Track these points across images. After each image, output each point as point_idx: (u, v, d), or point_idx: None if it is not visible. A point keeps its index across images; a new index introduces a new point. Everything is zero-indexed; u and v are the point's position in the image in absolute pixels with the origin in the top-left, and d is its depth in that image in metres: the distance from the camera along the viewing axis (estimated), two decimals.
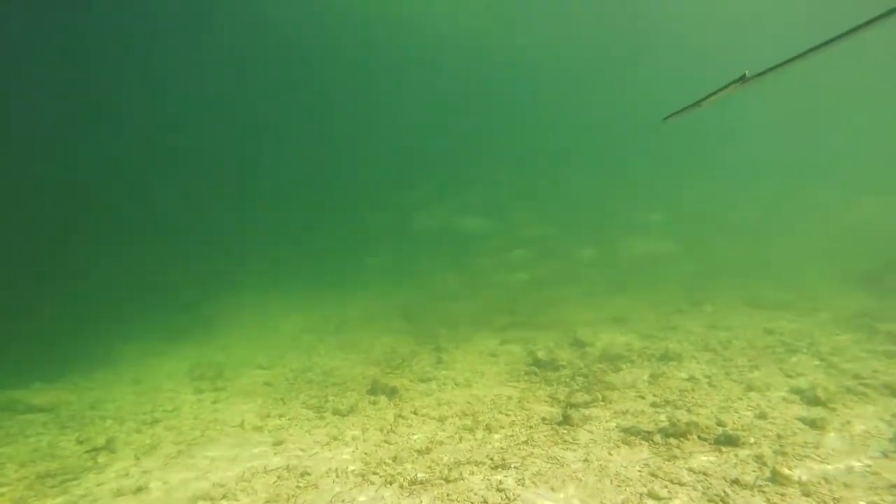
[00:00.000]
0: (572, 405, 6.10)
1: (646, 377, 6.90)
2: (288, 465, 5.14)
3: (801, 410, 5.21)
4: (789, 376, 6.30)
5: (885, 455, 4.19)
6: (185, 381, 9.58)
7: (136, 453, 5.80)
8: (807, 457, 4.22)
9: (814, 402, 5.34)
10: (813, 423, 4.84)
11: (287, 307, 16.93)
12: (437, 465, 4.78)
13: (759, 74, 2.58)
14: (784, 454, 4.27)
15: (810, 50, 2.41)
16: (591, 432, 5.23)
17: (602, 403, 6.11)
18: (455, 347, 9.89)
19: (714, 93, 2.75)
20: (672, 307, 12.00)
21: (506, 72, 42.69)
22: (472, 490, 4.20)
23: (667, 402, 5.86)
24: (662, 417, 5.37)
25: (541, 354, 8.28)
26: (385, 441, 5.60)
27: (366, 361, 9.73)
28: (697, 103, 2.90)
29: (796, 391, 5.69)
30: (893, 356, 6.68)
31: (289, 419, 6.76)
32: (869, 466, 3.99)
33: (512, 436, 5.36)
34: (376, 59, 37.46)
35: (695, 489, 3.84)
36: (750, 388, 6.00)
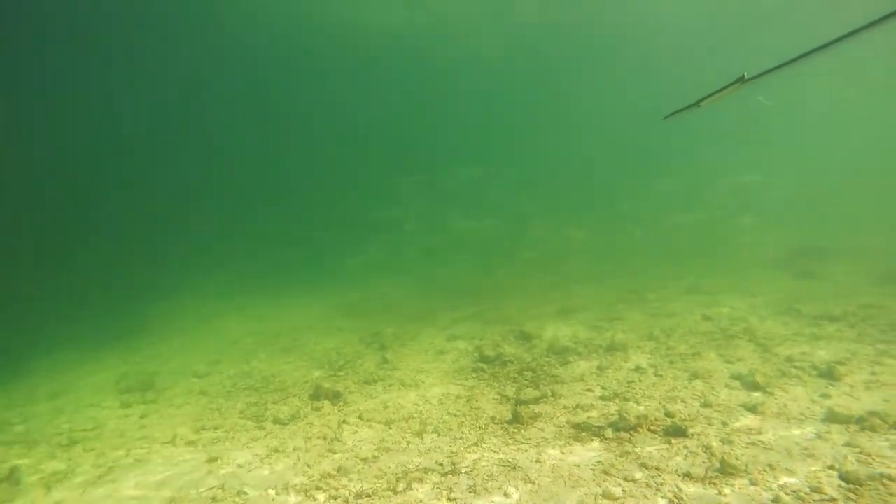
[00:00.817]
0: (521, 402, 6.01)
1: (594, 369, 6.92)
2: (223, 485, 4.74)
3: (743, 396, 5.33)
4: (729, 362, 6.48)
5: (818, 436, 4.32)
6: (112, 393, 8.84)
7: (48, 483, 5.21)
8: (751, 444, 4.28)
9: (753, 387, 5.48)
10: (754, 409, 4.95)
11: (230, 311, 16.09)
12: (385, 474, 4.54)
13: (758, 76, 2.59)
14: (730, 442, 4.32)
15: (810, 52, 2.41)
16: (541, 430, 5.14)
17: (552, 399, 6.05)
18: (401, 346, 9.64)
19: (713, 93, 2.76)
20: (617, 296, 12.24)
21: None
22: (421, 501, 4.00)
23: (615, 395, 5.87)
24: (612, 410, 5.36)
25: (488, 350, 8.18)
26: (329, 450, 5.30)
27: (308, 365, 9.31)
28: (696, 103, 2.89)
29: (736, 377, 5.84)
30: (817, 338, 7.02)
31: (225, 431, 6.32)
32: (806, 450, 4.09)
33: (461, 438, 5.19)
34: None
35: (648, 486, 3.79)
36: (694, 375, 6.11)
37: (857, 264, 12.33)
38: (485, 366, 7.76)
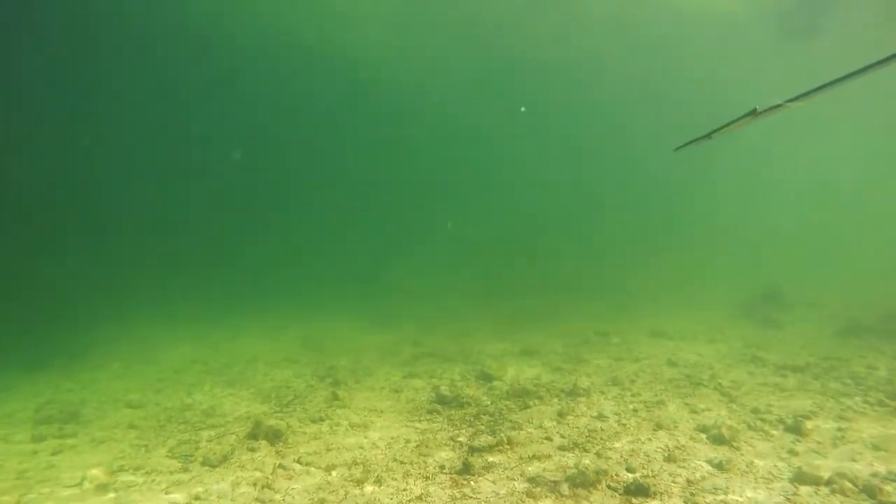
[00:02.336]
0: (474, 449, 5.56)
1: (554, 415, 6.54)
2: None
3: (709, 451, 5.02)
4: (695, 412, 6.20)
5: (787, 499, 4.01)
6: (27, 425, 7.98)
7: None
8: None
9: (719, 440, 5.18)
10: (720, 466, 4.63)
11: (184, 338, 15.18)
12: None
13: (770, 109, 2.55)
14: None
15: (823, 86, 2.38)
16: (493, 483, 4.70)
17: (507, 447, 5.63)
18: (355, 382, 9.10)
19: (725, 125, 2.73)
20: (580, 338, 11.99)
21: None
22: None
23: (575, 445, 5.49)
24: (570, 463, 4.96)
25: (445, 390, 7.72)
26: (257, 500, 4.73)
27: (254, 398, 8.66)
28: (708, 135, 2.86)
29: (702, 429, 5.54)
30: (782, 389, 6.83)
31: (145, 473, 5.65)
32: None
33: (405, 489, 4.70)
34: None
35: None
36: (658, 426, 5.79)
37: (818, 313, 12.43)
38: (440, 407, 7.30)
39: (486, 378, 8.68)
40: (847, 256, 21.17)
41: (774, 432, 5.37)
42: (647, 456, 5.06)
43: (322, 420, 7.10)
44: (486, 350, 11.49)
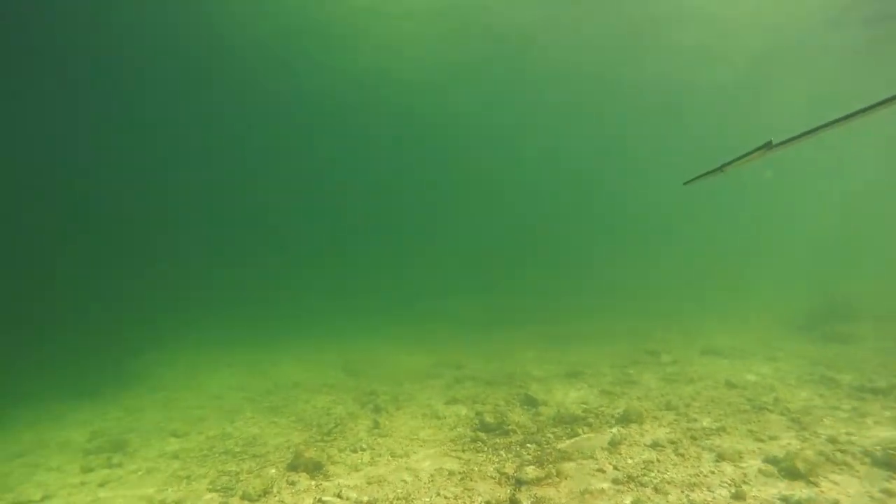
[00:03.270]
0: (521, 482, 5.25)
1: (605, 444, 6.14)
2: None
3: (782, 486, 4.55)
4: (761, 440, 5.69)
5: None
6: (78, 454, 8.13)
7: None
8: None
9: (793, 474, 4.70)
10: None
11: (224, 363, 15.41)
12: None
13: (784, 142, 2.52)
14: None
15: (837, 120, 2.36)
16: None
17: (556, 479, 5.28)
18: (396, 408, 8.89)
19: (737, 158, 2.71)
20: (628, 358, 11.46)
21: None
22: None
23: (630, 479, 5.10)
24: (627, 500, 4.59)
25: (488, 417, 7.42)
26: None
27: (295, 426, 8.57)
28: (720, 168, 2.82)
29: (772, 460, 5.05)
30: (863, 415, 6.21)
31: None
32: None
33: None
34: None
35: None
36: (721, 456, 5.33)
37: (891, 328, 11.49)
38: (485, 435, 6.99)
39: (531, 403, 8.33)
40: None
41: (860, 466, 4.83)
42: (711, 491, 4.63)
43: (363, 450, 6.91)
44: (529, 372, 11.12)
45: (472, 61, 23.04)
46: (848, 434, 5.59)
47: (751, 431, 5.98)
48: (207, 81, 25.34)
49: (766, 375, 8.57)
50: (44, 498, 6.16)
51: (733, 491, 4.56)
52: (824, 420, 6.09)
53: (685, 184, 3.24)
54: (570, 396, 8.62)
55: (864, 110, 2.31)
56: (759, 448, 5.47)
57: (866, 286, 17.89)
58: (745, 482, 4.69)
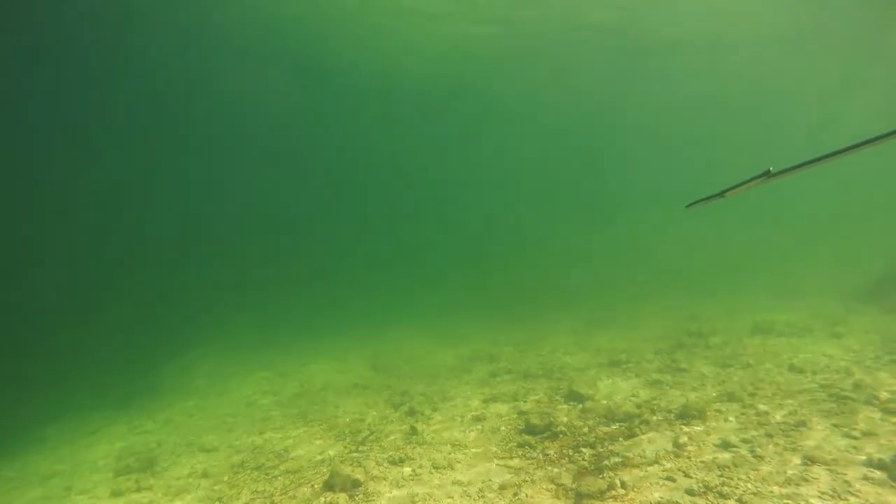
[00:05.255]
0: (582, 496, 4.69)
1: (668, 446, 5.53)
2: None
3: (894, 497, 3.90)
4: (852, 437, 5.02)
5: None
6: (109, 474, 7.85)
7: None
8: None
9: None
10: None
11: (252, 366, 15.12)
12: None
13: (783, 171, 2.56)
14: None
15: (839, 151, 2.38)
16: None
17: (622, 491, 4.72)
18: (432, 410, 8.39)
19: (738, 185, 2.76)
20: (672, 341, 10.78)
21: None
22: None
23: (706, 488, 4.50)
24: None
25: (534, 418, 6.86)
26: None
27: (327, 434, 8.14)
28: (721, 194, 2.87)
29: (878, 465, 4.38)
30: None
31: None
32: None
33: None
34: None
35: None
36: (810, 459, 4.68)
37: None
38: (532, 439, 6.45)
39: (576, 398, 7.75)
40: None
41: None
42: (807, 503, 4.00)
43: (402, 461, 6.42)
44: (567, 362, 10.54)
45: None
46: None
47: (837, 426, 5.31)
48: (216, 81, 25.01)
49: (834, 357, 7.83)
50: None
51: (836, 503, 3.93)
52: None
53: (687, 206, 3.21)
54: (618, 389, 8.02)
55: (868, 141, 2.28)
56: (854, 447, 4.81)
57: None
58: (850, 492, 4.05)
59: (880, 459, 4.40)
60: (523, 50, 21.68)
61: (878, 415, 5.43)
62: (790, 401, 6.26)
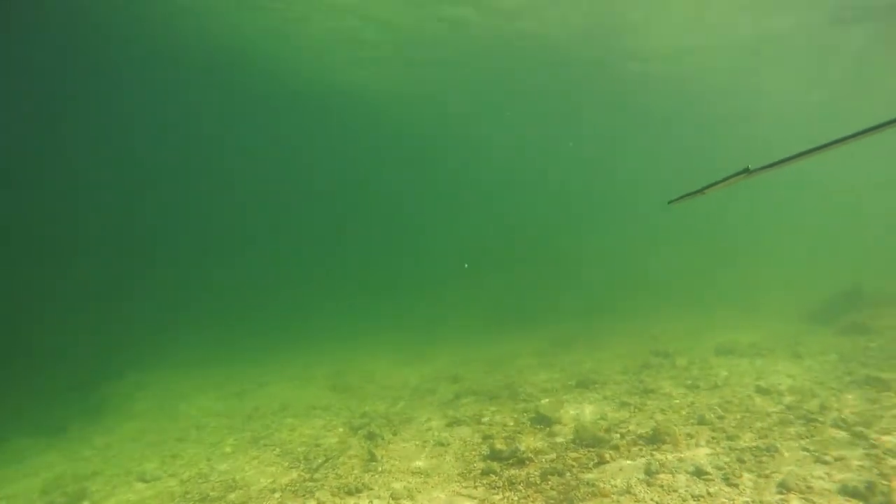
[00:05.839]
0: None
1: (641, 474, 5.29)
2: None
3: None
4: (824, 462, 4.89)
5: None
6: None
7: None
8: None
9: None
10: None
11: (205, 385, 14.31)
12: None
13: (762, 168, 2.61)
14: None
15: (817, 148, 2.44)
16: None
17: None
18: (393, 434, 7.96)
19: (718, 182, 2.83)
20: (638, 362, 10.67)
21: None
22: None
23: None
24: None
25: (499, 443, 6.53)
26: None
27: (281, 461, 7.60)
28: (701, 190, 2.96)
29: (853, 493, 4.23)
30: None
31: None
32: None
33: None
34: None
35: None
36: (784, 486, 4.50)
37: None
38: (497, 466, 6.11)
39: (543, 422, 7.47)
40: None
41: None
42: None
43: (359, 490, 5.98)
44: (533, 382, 10.29)
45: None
46: None
47: (808, 451, 5.18)
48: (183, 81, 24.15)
49: (798, 377, 7.82)
50: None
51: None
52: (893, 432, 5.31)
53: (670, 203, 3.30)
54: (586, 412, 7.78)
55: (840, 140, 2.35)
56: (828, 473, 4.66)
57: (878, 275, 17.34)
58: None
59: (855, 488, 4.25)
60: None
61: (846, 437, 5.33)
62: (759, 424, 6.13)
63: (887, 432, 5.32)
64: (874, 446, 5.05)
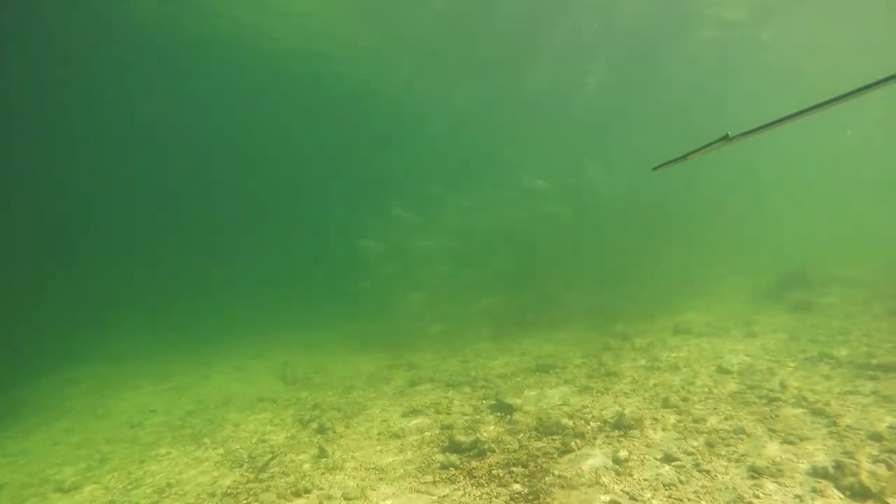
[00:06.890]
0: None
1: (608, 462, 5.04)
2: None
3: None
4: (790, 443, 4.77)
5: None
6: None
7: None
8: None
9: (861, 494, 3.75)
10: None
11: (145, 380, 13.26)
12: None
13: (742, 135, 2.67)
14: None
15: (796, 114, 2.45)
16: None
17: None
18: (345, 427, 7.47)
19: (699, 149, 2.87)
20: (597, 344, 10.56)
21: None
22: None
23: None
24: None
25: (459, 434, 6.17)
26: None
27: (223, 461, 6.99)
28: (684, 157, 2.98)
29: (823, 474, 4.09)
30: (889, 399, 5.46)
31: None
32: None
33: None
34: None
35: None
36: (755, 471, 4.34)
37: (858, 293, 11.23)
38: (457, 458, 5.74)
39: (503, 409, 7.17)
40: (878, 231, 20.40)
41: None
42: None
43: (308, 491, 5.49)
44: (491, 367, 10.00)
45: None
46: (891, 428, 4.77)
47: (773, 431, 5.07)
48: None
49: (755, 355, 7.84)
50: None
51: None
52: (851, 411, 5.28)
53: (654, 169, 3.33)
54: (547, 397, 7.54)
55: (815, 107, 2.36)
56: (795, 455, 4.54)
57: (826, 254, 18.05)
58: None
59: (824, 468, 4.11)
60: None
61: (808, 417, 5.26)
62: (724, 406, 6.02)
63: (848, 410, 5.28)
64: (834, 423, 4.99)
